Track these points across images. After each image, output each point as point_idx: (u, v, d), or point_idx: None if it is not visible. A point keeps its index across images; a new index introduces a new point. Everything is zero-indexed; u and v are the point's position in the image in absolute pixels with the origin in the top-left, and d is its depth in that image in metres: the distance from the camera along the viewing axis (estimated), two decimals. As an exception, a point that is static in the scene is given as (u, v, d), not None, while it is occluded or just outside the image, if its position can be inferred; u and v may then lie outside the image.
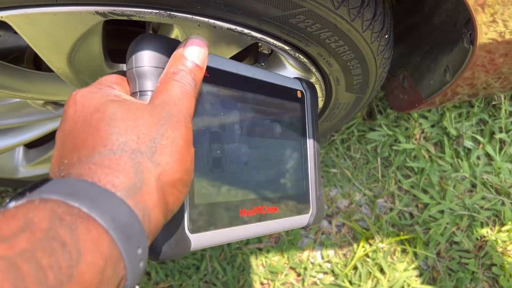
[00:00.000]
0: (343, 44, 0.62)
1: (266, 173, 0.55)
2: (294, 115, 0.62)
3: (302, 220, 0.61)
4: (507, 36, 0.65)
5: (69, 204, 0.30)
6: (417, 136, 1.30)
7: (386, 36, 0.66)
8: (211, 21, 0.53)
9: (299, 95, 0.63)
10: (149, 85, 0.44)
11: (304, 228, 0.63)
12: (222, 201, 0.48)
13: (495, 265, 1.21)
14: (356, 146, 1.31)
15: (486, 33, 0.64)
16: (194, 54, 0.44)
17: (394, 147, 1.29)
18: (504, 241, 1.23)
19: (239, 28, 0.55)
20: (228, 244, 1.24)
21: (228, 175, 0.49)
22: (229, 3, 0.49)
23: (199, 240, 0.45)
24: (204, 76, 0.46)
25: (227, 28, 0.54)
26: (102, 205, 0.31)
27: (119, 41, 0.70)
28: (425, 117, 1.31)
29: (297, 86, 0.64)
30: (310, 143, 0.64)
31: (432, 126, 1.31)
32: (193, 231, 0.44)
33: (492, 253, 1.22)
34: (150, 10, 0.49)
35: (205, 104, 0.48)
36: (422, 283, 1.21)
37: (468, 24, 0.66)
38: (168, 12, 0.50)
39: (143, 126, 0.37)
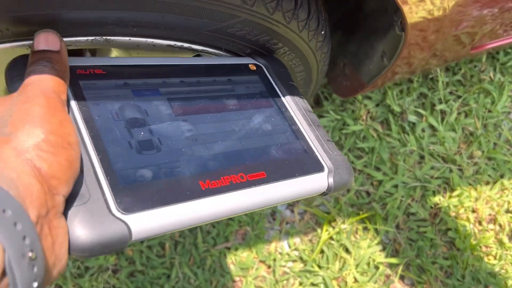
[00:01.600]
0: (283, 46, 0.64)
1: (232, 144, 0.54)
2: (254, 86, 0.62)
3: (318, 180, 0.56)
4: (436, 13, 0.69)
5: None
6: (364, 117, 1.35)
7: (323, 32, 0.68)
8: (150, 40, 0.53)
9: (252, 67, 0.63)
10: None
11: (328, 191, 0.57)
12: (166, 177, 0.46)
13: (450, 229, 1.28)
14: (308, 134, 1.35)
15: (416, 13, 0.67)
16: (41, 43, 0.45)
17: (344, 131, 1.33)
18: (456, 206, 1.30)
19: (178, 44, 0.55)
20: (196, 248, 1.25)
21: (166, 153, 0.49)
22: (166, 24, 0.50)
23: (143, 221, 0.42)
24: (100, 74, 0.50)
25: (167, 45, 0.55)
26: None
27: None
28: (369, 98, 1.36)
29: (248, 61, 0.64)
30: (290, 105, 0.62)
31: (377, 105, 1.36)
32: (126, 210, 0.42)
33: (446, 218, 1.29)
34: (86, 38, 0.49)
35: (108, 97, 0.49)
36: (386, 256, 1.26)
37: (397, 12, 0.69)
38: (104, 38, 0.50)
39: None
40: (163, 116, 0.51)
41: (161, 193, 0.45)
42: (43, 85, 0.41)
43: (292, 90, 0.63)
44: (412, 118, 1.34)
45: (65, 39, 0.48)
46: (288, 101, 0.62)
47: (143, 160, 0.46)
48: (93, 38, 0.49)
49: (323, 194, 0.57)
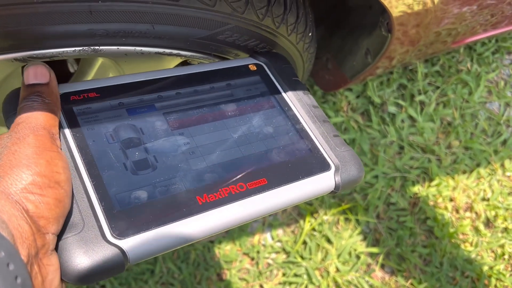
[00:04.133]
0: (271, 49, 0.63)
1: (230, 153, 0.52)
2: (255, 87, 0.60)
3: (324, 180, 0.54)
4: (416, 8, 0.69)
5: None
6: (345, 109, 1.36)
7: (310, 34, 0.68)
8: (138, 48, 0.52)
9: (252, 68, 0.61)
10: None
11: (336, 189, 0.54)
12: (161, 196, 0.46)
13: (429, 218, 1.31)
14: (290, 126, 1.35)
15: (402, 14, 0.67)
16: (31, 77, 0.45)
17: (326, 122, 1.34)
18: (434, 195, 1.33)
19: (167, 51, 0.54)
20: (179, 242, 1.25)
21: (162, 171, 0.48)
22: (156, 33, 0.48)
23: (139, 243, 0.42)
24: (94, 97, 0.50)
25: (155, 52, 0.53)
26: None
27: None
28: (350, 90, 1.36)
29: (248, 61, 0.62)
30: (294, 103, 0.60)
31: (357, 97, 1.37)
32: (120, 235, 0.42)
33: (425, 207, 1.32)
34: (73, 49, 0.47)
35: (103, 120, 0.49)
36: (367, 246, 1.29)
37: (384, 13, 0.69)
38: (92, 48, 0.48)
39: None
40: (159, 132, 0.51)
41: (156, 213, 0.44)
42: (33, 122, 0.42)
43: (295, 87, 0.61)
44: (392, 109, 1.36)
45: (52, 50, 0.46)
46: (292, 99, 0.60)
47: (139, 181, 0.46)
48: (80, 48, 0.47)
49: (332, 192, 0.55)
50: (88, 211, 0.42)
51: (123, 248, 0.41)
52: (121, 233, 0.42)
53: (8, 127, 0.45)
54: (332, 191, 0.54)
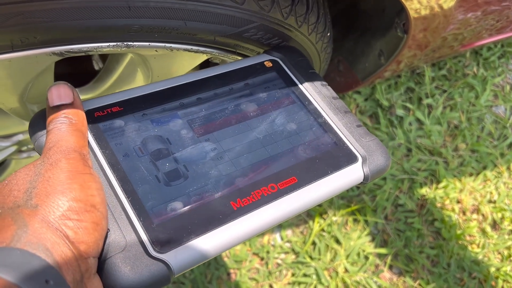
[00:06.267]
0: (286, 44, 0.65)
1: (257, 154, 0.52)
2: (273, 84, 0.60)
3: (353, 172, 0.54)
4: (440, 15, 0.71)
5: None
6: (353, 111, 1.38)
7: (328, 34, 0.70)
8: (168, 45, 0.53)
9: (268, 64, 0.61)
10: None
11: (365, 180, 0.54)
12: (197, 206, 0.46)
13: (437, 219, 1.33)
14: (299, 128, 1.37)
15: (421, 15, 0.68)
16: (55, 99, 0.46)
17: (334, 125, 1.36)
18: (441, 197, 1.35)
19: (195, 48, 0.56)
20: (190, 242, 1.26)
21: (194, 179, 0.48)
22: (187, 30, 0.50)
23: (181, 255, 0.43)
24: (118, 111, 0.50)
25: (184, 49, 0.55)
26: None
27: (66, 64, 0.68)
28: (358, 92, 1.38)
29: (263, 58, 0.61)
30: (313, 97, 0.59)
31: (366, 100, 1.39)
32: (162, 249, 0.42)
33: (433, 209, 1.33)
34: (108, 44, 0.49)
35: (129, 134, 0.49)
36: (375, 247, 1.30)
37: (400, 14, 0.71)
38: (125, 43, 0.50)
39: (16, 186, 0.40)
40: (185, 140, 0.51)
41: (194, 223, 0.45)
42: (64, 146, 0.42)
43: (313, 79, 0.60)
44: (400, 112, 1.38)
45: (88, 45, 0.48)
46: (311, 92, 0.59)
47: (172, 192, 0.46)
48: (114, 44, 0.49)
49: (362, 183, 0.55)
50: (128, 228, 0.43)
51: (166, 261, 0.42)
52: (163, 247, 0.42)
53: (37, 150, 0.46)
54: (361, 182, 0.55)
